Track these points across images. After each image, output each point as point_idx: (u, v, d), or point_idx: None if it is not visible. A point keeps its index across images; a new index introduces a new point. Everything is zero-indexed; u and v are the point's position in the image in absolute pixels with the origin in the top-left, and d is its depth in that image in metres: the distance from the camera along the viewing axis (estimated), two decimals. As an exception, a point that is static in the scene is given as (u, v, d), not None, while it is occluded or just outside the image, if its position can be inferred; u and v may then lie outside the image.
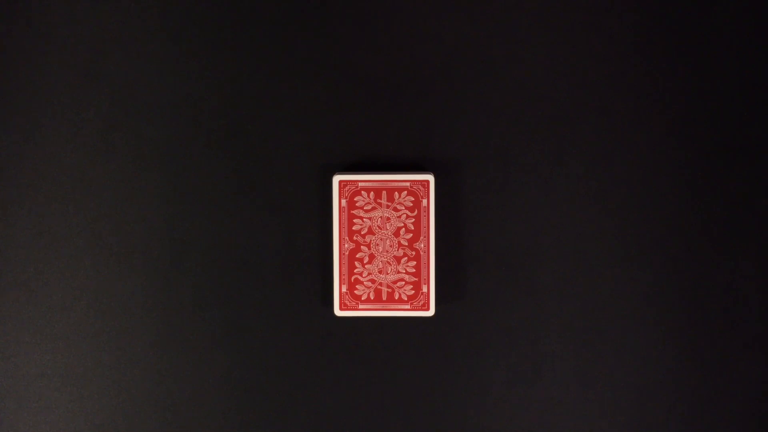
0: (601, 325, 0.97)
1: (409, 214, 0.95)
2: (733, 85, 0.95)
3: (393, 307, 0.95)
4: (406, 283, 0.95)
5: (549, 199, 0.97)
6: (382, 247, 0.95)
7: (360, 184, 0.95)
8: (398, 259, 0.95)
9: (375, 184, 0.95)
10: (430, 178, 0.94)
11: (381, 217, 0.95)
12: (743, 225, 0.96)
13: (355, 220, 0.95)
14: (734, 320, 0.97)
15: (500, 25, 0.96)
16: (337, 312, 0.96)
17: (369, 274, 0.95)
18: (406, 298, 0.95)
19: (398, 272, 0.95)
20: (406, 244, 0.95)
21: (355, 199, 0.95)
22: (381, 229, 0.95)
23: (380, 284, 0.95)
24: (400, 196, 0.95)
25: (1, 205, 0.99)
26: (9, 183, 0.98)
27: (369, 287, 0.95)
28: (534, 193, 0.97)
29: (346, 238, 0.95)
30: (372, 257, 0.95)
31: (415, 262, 0.95)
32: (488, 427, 0.99)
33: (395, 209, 0.95)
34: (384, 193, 0.95)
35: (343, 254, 0.95)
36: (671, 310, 0.97)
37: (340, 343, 0.99)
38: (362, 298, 0.95)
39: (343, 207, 0.95)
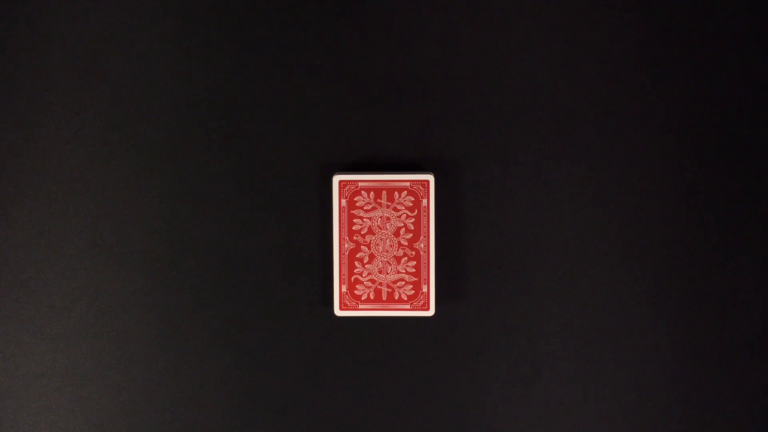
0: (601, 325, 0.97)
1: (409, 214, 0.95)
2: (733, 85, 0.95)
3: (393, 307, 0.95)
4: (406, 283, 0.95)
5: (549, 199, 0.97)
6: (382, 247, 0.95)
7: (360, 184, 0.95)
8: (398, 259, 0.95)
9: (375, 184, 0.95)
10: (430, 178, 0.94)
11: (381, 217, 0.95)
12: (743, 225, 0.96)
13: (355, 220, 0.95)
14: (734, 320, 0.97)
15: (500, 25, 0.96)
16: (337, 312, 0.96)
17: (369, 274, 0.95)
18: (406, 298, 0.95)
19: (398, 272, 0.95)
20: (406, 244, 0.95)
21: (355, 199, 0.95)
22: (381, 229, 0.95)
23: (380, 284, 0.95)
24: (400, 196, 0.95)
25: (1, 205, 0.99)
26: (9, 183, 0.98)
27: (369, 287, 0.95)
28: (534, 193, 0.97)
29: (346, 238, 0.95)
30: (372, 257, 0.95)
31: (415, 262, 0.95)
32: (488, 427, 0.99)
33: (395, 209, 0.95)
34: (384, 193, 0.95)
35: (343, 254, 0.95)
36: (671, 310, 0.97)
37: (340, 343, 0.99)
38: (362, 298, 0.95)
39: (343, 207, 0.95)
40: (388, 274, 0.95)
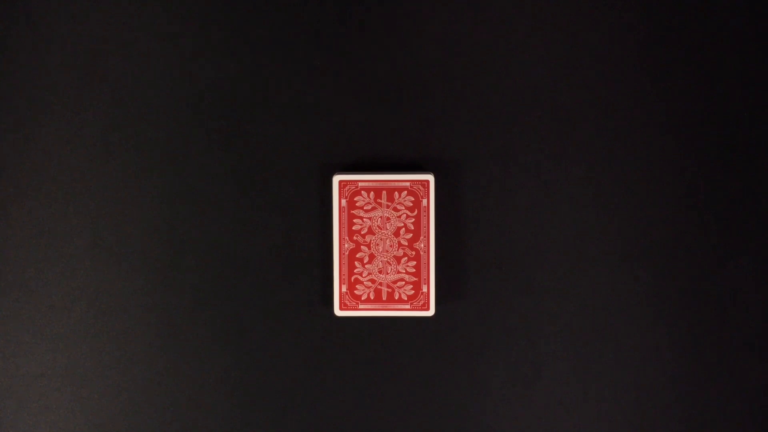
0: (601, 325, 0.97)
1: (409, 214, 0.95)
2: (733, 86, 0.95)
3: (393, 307, 0.95)
4: (406, 283, 0.95)
5: (549, 199, 0.97)
6: (382, 247, 0.95)
7: (360, 184, 0.95)
8: (398, 259, 0.95)
9: (375, 184, 0.95)
10: (430, 178, 0.94)
11: (381, 217, 0.95)
12: (743, 225, 0.96)
13: (355, 220, 0.95)
14: (734, 320, 0.97)
15: (500, 25, 0.96)
16: (337, 312, 0.96)
17: (369, 274, 0.95)
18: (406, 298, 0.95)
19: (398, 272, 0.95)
20: (406, 244, 0.95)
21: (355, 199, 0.95)
22: (381, 229, 0.95)
23: (380, 284, 0.95)
24: (400, 196, 0.95)
25: (1, 205, 0.99)
26: (9, 183, 0.98)
27: (369, 287, 0.95)
28: (534, 193, 0.97)
29: (346, 238, 0.95)
30: (372, 257, 0.95)
31: (415, 262, 0.95)
32: (488, 427, 0.99)
33: (395, 209, 0.95)
34: (384, 193, 0.95)
35: (343, 254, 0.95)
36: (671, 309, 0.97)
37: (340, 343, 0.99)
38: (362, 298, 0.95)
39: (343, 207, 0.95)
40: (388, 274, 0.95)
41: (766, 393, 0.97)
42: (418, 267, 0.95)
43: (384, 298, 0.95)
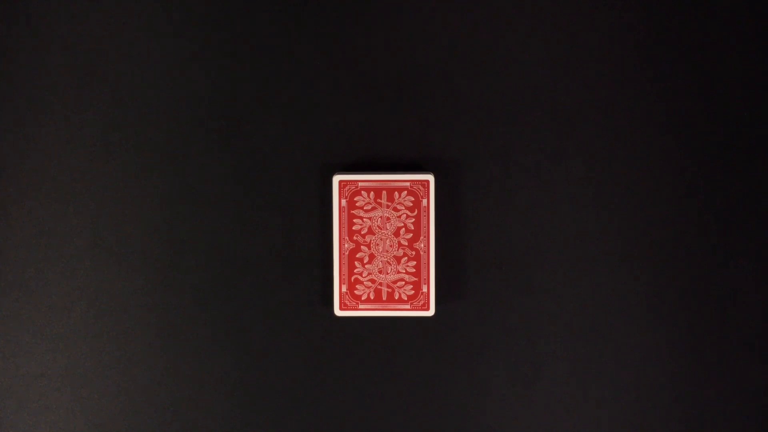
0: (601, 326, 0.97)
1: (409, 214, 0.95)
2: (733, 86, 0.95)
3: (393, 307, 0.95)
4: (406, 283, 0.95)
5: (549, 199, 0.97)
6: (382, 247, 0.95)
7: (360, 184, 0.95)
8: (398, 259, 0.95)
9: (375, 184, 0.95)
10: (430, 178, 0.94)
11: (381, 217, 0.95)
12: (743, 225, 0.96)
13: (355, 220, 0.95)
14: (734, 320, 0.97)
15: (500, 25, 0.96)
16: (337, 312, 0.96)
17: (369, 274, 0.95)
18: (406, 298, 0.95)
19: (398, 272, 0.95)
20: (406, 244, 0.95)
21: (355, 199, 0.95)
22: (381, 229, 0.95)
23: (380, 284, 0.95)
24: (400, 196, 0.95)
25: (1, 205, 0.99)
26: (9, 183, 0.98)
27: (369, 287, 0.95)
28: (534, 193, 0.97)
29: (346, 238, 0.95)
30: (372, 257, 0.95)
31: (415, 262, 0.95)
32: (488, 427, 0.99)
33: (395, 209, 0.95)
34: (384, 193, 0.95)
35: (343, 254, 0.95)
36: (671, 310, 0.97)
37: (340, 343, 0.99)
38: (362, 298, 0.95)
39: (343, 207, 0.95)
40: (388, 274, 0.95)
41: (766, 393, 0.97)
42: (418, 267, 0.95)
43: (384, 298, 0.95)
